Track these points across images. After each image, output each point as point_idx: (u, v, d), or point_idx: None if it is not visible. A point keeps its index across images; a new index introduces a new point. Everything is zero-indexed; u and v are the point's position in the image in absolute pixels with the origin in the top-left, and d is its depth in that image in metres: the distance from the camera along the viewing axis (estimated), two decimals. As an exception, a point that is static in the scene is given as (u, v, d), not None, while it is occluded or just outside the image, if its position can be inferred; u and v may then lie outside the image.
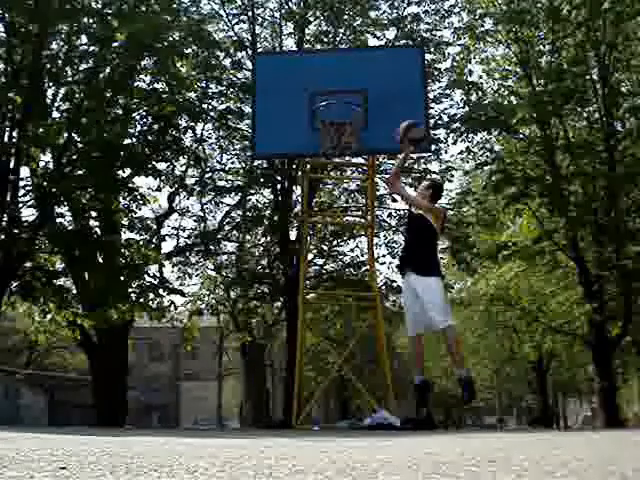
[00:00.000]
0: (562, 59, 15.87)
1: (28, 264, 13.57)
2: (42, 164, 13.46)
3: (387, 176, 10.10)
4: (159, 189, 15.79)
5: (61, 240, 13.25)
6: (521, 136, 16.76)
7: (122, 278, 13.82)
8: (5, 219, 12.89)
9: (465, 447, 3.79)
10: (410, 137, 6.23)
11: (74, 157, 13.36)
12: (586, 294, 15.96)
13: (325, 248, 18.68)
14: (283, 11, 17.42)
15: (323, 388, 12.47)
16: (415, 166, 17.22)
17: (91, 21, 13.49)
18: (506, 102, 16.44)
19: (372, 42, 17.05)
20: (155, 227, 16.05)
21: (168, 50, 13.64)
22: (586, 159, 15.74)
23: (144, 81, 14.53)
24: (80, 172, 13.36)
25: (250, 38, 17.32)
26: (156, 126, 14.06)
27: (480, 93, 16.19)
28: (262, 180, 17.05)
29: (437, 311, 5.71)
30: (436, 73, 16.77)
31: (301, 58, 10.86)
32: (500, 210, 16.48)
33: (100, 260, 14.19)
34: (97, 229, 14.65)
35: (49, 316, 14.25)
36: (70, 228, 13.91)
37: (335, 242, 18.63)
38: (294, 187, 17.10)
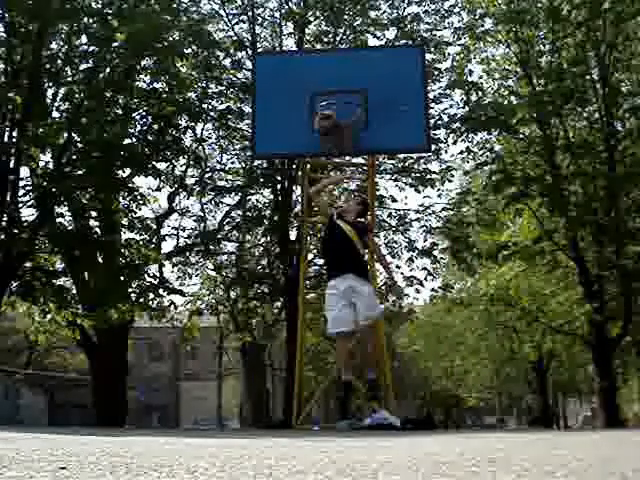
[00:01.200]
0: (562, 59, 15.85)
1: (28, 264, 13.56)
2: (42, 164, 13.45)
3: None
4: (159, 189, 15.83)
5: (61, 240, 13.25)
6: (521, 136, 16.75)
7: (122, 278, 13.82)
8: (5, 219, 12.89)
9: (465, 447, 3.78)
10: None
11: (74, 157, 13.35)
12: (586, 294, 15.96)
13: (325, 248, 18.65)
14: (283, 11, 17.40)
15: (323, 388, 12.45)
16: (415, 166, 17.21)
17: (91, 21, 13.50)
18: (506, 102, 16.42)
19: (372, 42, 17.04)
20: (155, 227, 16.04)
21: (168, 50, 13.64)
22: (586, 159, 15.73)
23: (144, 81, 14.53)
24: (80, 172, 13.35)
25: (250, 38, 17.30)
26: (156, 126, 14.06)
27: (480, 93, 16.17)
28: (262, 180, 17.04)
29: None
30: (436, 73, 16.74)
31: (301, 58, 10.80)
32: (500, 210, 16.47)
33: (100, 260, 14.20)
34: (97, 229, 14.65)
35: (49, 316, 14.24)
36: (70, 228, 13.90)
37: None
38: (294, 187, 17.08)
